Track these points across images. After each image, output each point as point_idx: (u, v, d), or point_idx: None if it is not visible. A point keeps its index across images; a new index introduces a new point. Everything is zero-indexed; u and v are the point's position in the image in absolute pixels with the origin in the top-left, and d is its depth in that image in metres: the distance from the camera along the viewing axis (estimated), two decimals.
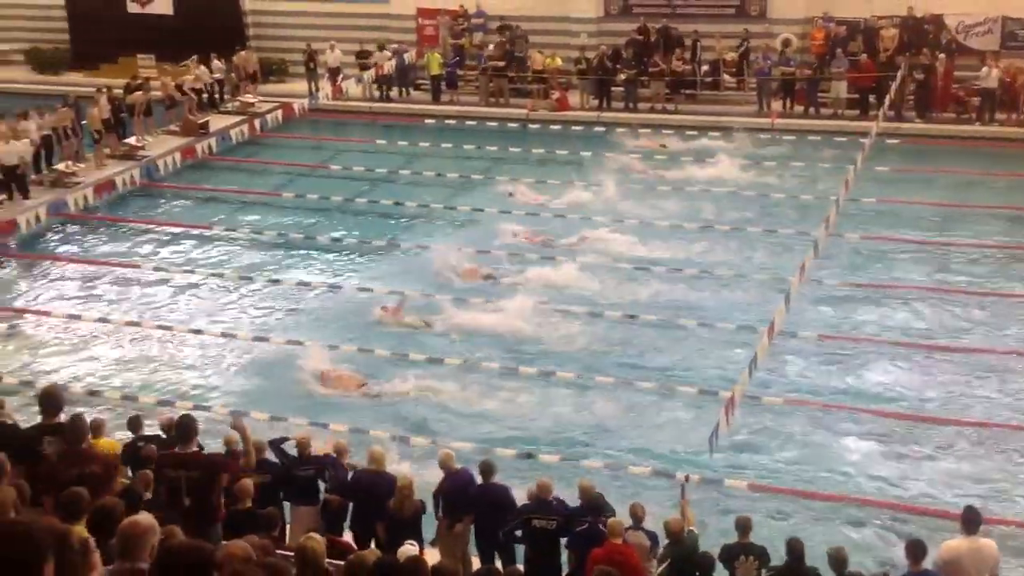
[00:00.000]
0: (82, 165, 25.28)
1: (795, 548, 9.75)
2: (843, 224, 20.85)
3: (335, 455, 11.67)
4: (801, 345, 16.92)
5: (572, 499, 10.88)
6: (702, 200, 23.23)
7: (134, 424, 12.23)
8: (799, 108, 28.65)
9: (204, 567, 4.73)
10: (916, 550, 9.34)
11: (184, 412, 10.71)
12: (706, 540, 10.84)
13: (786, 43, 29.12)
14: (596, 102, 29.85)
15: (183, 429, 9.62)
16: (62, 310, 18.70)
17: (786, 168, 25.03)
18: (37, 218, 22.25)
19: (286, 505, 11.31)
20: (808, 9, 29.65)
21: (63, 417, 9.75)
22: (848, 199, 21.55)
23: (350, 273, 20.28)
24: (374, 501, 10.92)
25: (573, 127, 28.72)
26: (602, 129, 28.59)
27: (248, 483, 10.44)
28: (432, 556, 9.67)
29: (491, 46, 30.63)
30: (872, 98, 27.92)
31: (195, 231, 22.53)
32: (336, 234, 22.07)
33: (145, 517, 6.07)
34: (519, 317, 17.76)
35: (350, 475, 11.41)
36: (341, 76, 30.76)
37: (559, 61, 30.30)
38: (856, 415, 14.97)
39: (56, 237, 22.67)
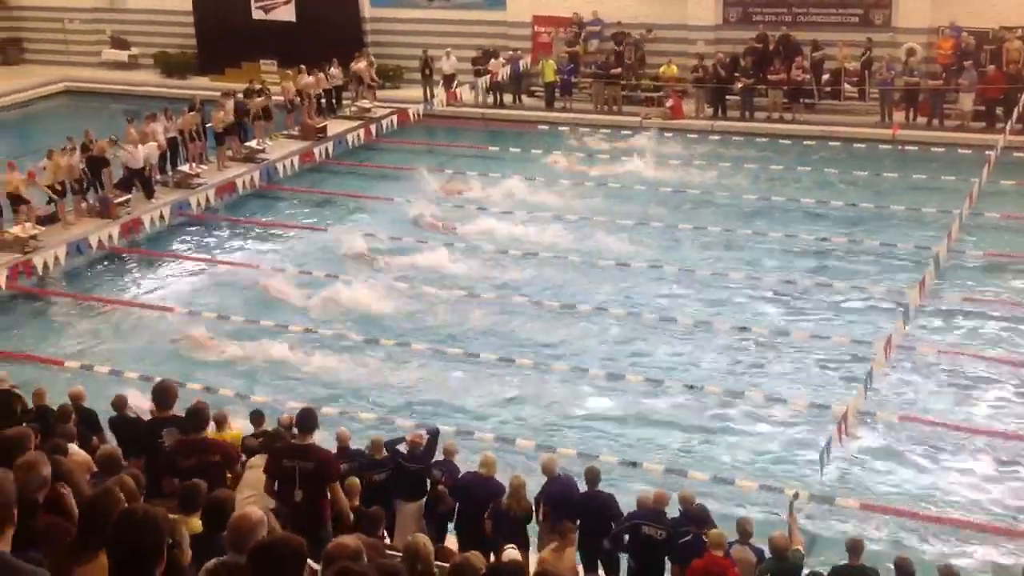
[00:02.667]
0: (205, 167, 26.02)
1: (904, 569, 9.47)
2: (966, 239, 20.28)
3: (445, 456, 11.79)
4: (919, 361, 16.47)
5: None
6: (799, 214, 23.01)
7: (256, 418, 12.52)
8: (922, 119, 27.92)
9: (296, 559, 4.79)
10: None
11: (306, 405, 10.86)
12: (815, 560, 10.64)
13: (910, 53, 28.36)
14: (711, 110, 29.55)
15: (304, 420, 9.73)
16: (182, 307, 19.23)
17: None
18: (161, 216, 22.99)
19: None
20: (934, 19, 28.82)
21: (177, 410, 10.01)
22: (971, 213, 20.95)
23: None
24: (478, 505, 10.99)
25: (688, 135, 28.45)
26: (705, 137, 28.33)
27: (356, 482, 10.57)
28: (533, 561, 9.69)
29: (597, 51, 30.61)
30: (999, 110, 27.05)
31: (310, 232, 22.94)
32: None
33: (255, 511, 6.20)
34: (636, 331, 17.85)
35: (460, 475, 11.52)
36: (456, 82, 31.07)
37: (675, 69, 30.09)
38: (973, 435, 14.51)
39: (178, 236, 23.35)
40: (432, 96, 30.70)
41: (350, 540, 5.63)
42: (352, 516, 9.69)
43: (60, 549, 5.38)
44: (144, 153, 23.84)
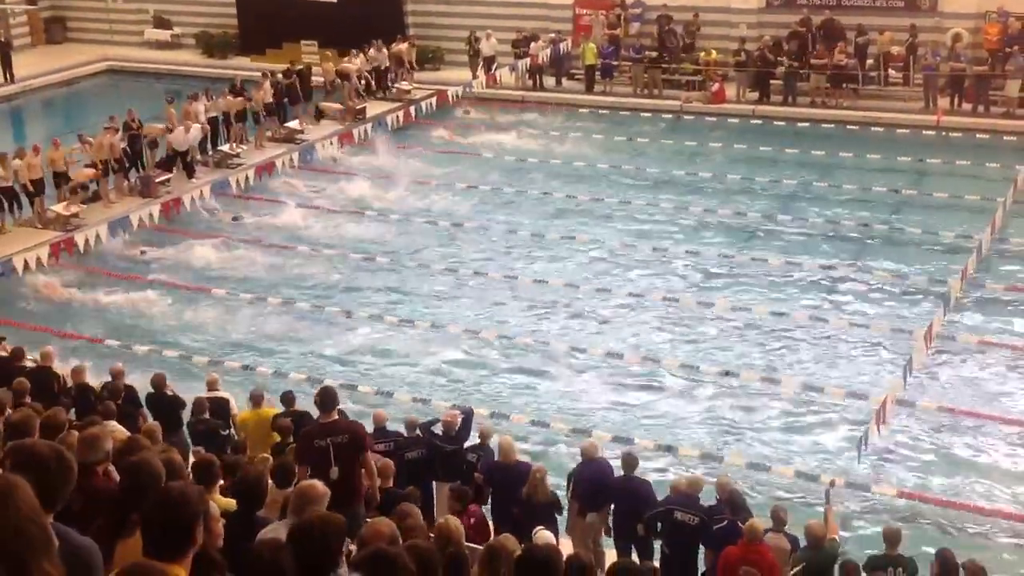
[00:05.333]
0: (244, 147, 26.14)
1: (948, 560, 9.36)
2: (1009, 228, 20.02)
3: (480, 440, 11.81)
4: (959, 350, 16.29)
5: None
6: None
7: (287, 399, 12.61)
8: (967, 106, 27.52)
9: (337, 536, 4.84)
10: None
11: (325, 384, 10.93)
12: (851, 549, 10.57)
13: (956, 38, 27.93)
14: (754, 95, 29.26)
15: (325, 398, 9.77)
16: (218, 290, 19.32)
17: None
18: (201, 196, 23.12)
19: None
20: (981, 4, 28.35)
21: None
22: (1016, 201, 20.65)
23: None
24: (509, 488, 10.98)
25: (729, 119, 28.26)
26: (759, 122, 28.09)
27: (390, 463, 10.60)
28: (565, 545, 9.67)
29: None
30: None
31: (350, 214, 22.97)
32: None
33: (321, 484, 6.47)
34: (676, 318, 17.67)
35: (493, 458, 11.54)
36: (495, 64, 30.99)
37: (714, 53, 29.85)
38: (1013, 426, 14.34)
39: (216, 216, 23.42)
40: (474, 77, 30.65)
41: (383, 524, 5.65)
42: (380, 495, 9.76)
43: (101, 523, 5.43)
44: (192, 136, 24.04)
